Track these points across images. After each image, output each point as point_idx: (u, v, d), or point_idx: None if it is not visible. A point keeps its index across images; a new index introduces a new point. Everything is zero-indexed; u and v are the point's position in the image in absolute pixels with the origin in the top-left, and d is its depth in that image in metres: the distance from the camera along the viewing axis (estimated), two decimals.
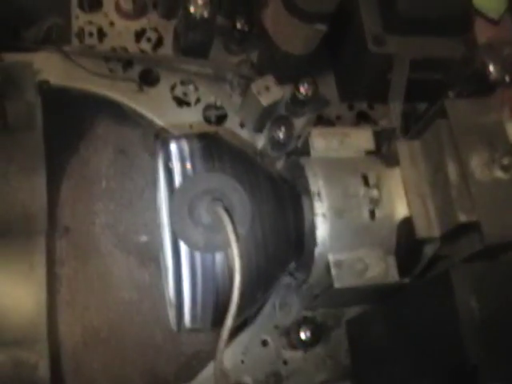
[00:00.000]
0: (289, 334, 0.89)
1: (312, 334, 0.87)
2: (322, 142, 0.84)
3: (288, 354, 0.90)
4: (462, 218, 0.75)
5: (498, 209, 0.76)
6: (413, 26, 0.91)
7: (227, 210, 0.72)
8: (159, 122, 0.96)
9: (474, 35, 0.97)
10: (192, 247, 0.73)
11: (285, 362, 0.90)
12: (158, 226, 0.81)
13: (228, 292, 0.73)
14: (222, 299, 0.74)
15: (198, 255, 0.73)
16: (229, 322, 0.71)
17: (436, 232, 0.79)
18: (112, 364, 0.99)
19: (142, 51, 1.00)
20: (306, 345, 0.88)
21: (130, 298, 1.02)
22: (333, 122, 1.01)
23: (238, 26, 0.97)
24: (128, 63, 0.98)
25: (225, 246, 0.72)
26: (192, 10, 0.89)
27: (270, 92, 0.90)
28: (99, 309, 1.01)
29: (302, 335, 0.87)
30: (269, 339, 0.90)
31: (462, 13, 0.94)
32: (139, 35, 1.01)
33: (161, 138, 0.80)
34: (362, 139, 0.86)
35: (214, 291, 0.74)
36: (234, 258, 0.71)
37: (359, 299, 0.89)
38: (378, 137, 0.87)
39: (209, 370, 0.87)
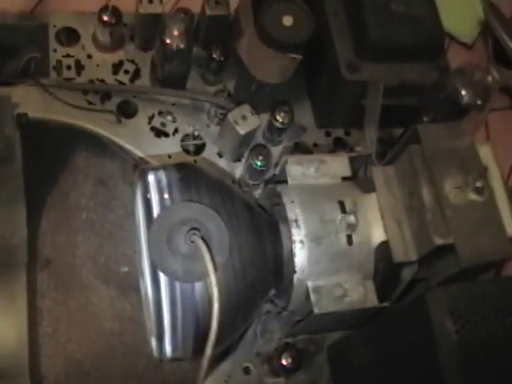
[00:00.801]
0: (271, 360, 0.89)
1: (293, 360, 0.87)
2: (298, 169, 0.85)
3: (270, 381, 0.90)
4: (438, 241, 0.76)
5: (472, 231, 0.77)
6: (385, 53, 0.93)
7: (204, 240, 0.73)
8: (138, 153, 0.96)
9: (447, 60, 0.98)
10: (171, 277, 0.73)
11: None
12: (137, 256, 0.81)
13: (208, 320, 0.73)
14: (202, 328, 0.75)
15: (177, 285, 0.74)
16: (208, 351, 0.72)
17: (413, 256, 0.80)
18: None
19: (120, 83, 1.01)
20: (287, 371, 0.87)
21: (111, 328, 1.02)
22: (310, 149, 1.02)
23: (214, 56, 0.98)
24: (106, 95, 0.99)
25: (204, 275, 0.73)
26: (168, 41, 0.90)
27: (246, 121, 0.91)
28: (81, 340, 1.01)
29: (284, 362, 0.86)
30: (251, 366, 0.90)
31: (435, 38, 0.96)
32: (117, 67, 1.02)
33: (139, 169, 0.81)
34: (338, 166, 0.87)
35: (195, 320, 0.74)
36: (212, 287, 0.71)
37: (339, 324, 0.89)
38: (354, 163, 0.88)
39: None
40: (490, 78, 0.88)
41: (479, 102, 0.87)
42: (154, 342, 0.76)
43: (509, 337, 0.69)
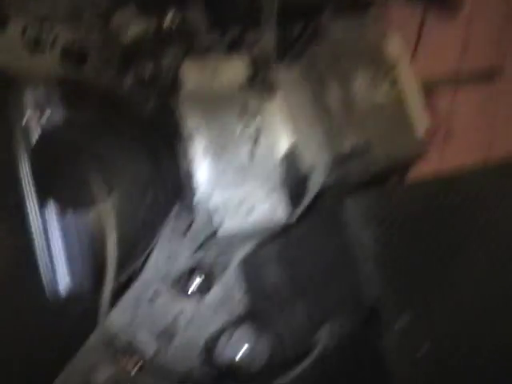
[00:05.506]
0: (179, 282, 0.85)
1: (204, 279, 0.83)
2: (193, 77, 0.79)
3: (181, 303, 0.86)
4: (348, 143, 0.72)
5: (384, 130, 0.74)
6: None
7: (94, 164, 0.66)
8: (13, 69, 0.87)
9: None
10: (59, 207, 0.66)
11: (178, 313, 0.86)
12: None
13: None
14: (100, 258, 0.69)
15: (68, 216, 0.67)
16: (107, 289, 0.66)
17: (323, 159, 0.76)
18: None
19: None
20: (199, 291, 0.84)
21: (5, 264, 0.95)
22: (203, 53, 0.94)
23: None
24: None
25: (95, 202, 0.66)
26: None
27: (131, 26, 0.83)
28: None
29: (194, 282, 0.83)
30: (159, 291, 0.86)
31: None
32: None
33: (14, 88, 0.72)
34: (236, 69, 0.82)
35: (90, 251, 0.69)
36: (104, 215, 0.65)
37: (250, 239, 0.85)
38: (254, 64, 0.82)
39: (99, 331, 0.82)
40: None
41: None
42: (47, 281, 0.70)
43: (431, 245, 0.66)
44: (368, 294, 0.65)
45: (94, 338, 0.82)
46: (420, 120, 0.76)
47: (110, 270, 0.67)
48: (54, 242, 0.67)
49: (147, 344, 0.84)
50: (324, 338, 0.72)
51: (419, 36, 1.09)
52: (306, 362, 0.72)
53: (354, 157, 0.74)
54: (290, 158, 0.77)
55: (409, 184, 0.81)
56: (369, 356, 0.68)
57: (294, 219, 0.77)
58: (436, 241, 0.68)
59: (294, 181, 0.78)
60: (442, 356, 0.67)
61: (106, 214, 0.66)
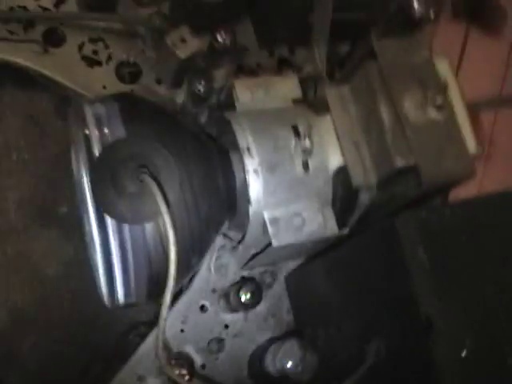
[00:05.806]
0: (227, 296, 0.86)
1: (251, 294, 0.84)
2: (246, 94, 0.80)
3: (228, 317, 0.87)
4: (399, 162, 0.72)
5: (434, 150, 0.73)
6: None
7: (154, 178, 0.67)
8: (69, 84, 0.89)
9: None
10: (118, 219, 0.67)
11: (226, 326, 0.87)
12: (77, 195, 0.75)
13: (161, 262, 0.68)
14: (155, 271, 0.70)
15: (125, 227, 0.68)
16: (167, 298, 0.67)
17: (372, 179, 0.76)
18: (43, 344, 0.94)
19: (44, 9, 0.92)
20: (246, 306, 0.85)
21: (55, 273, 0.97)
22: (254, 70, 0.96)
23: None
24: (29, 23, 0.90)
25: (154, 216, 0.67)
26: None
27: (186, 44, 0.84)
28: (24, 288, 0.95)
29: (242, 297, 0.83)
30: (207, 304, 0.87)
31: None
32: None
33: (73, 102, 0.74)
34: (287, 87, 0.82)
35: (147, 263, 0.69)
36: (165, 228, 0.66)
37: (298, 254, 0.86)
38: (304, 83, 0.83)
39: (149, 343, 0.83)
40: None
41: (432, 14, 0.82)
42: (104, 290, 0.71)
43: (481, 261, 0.66)
44: (419, 311, 0.65)
45: (144, 348, 0.83)
46: (470, 141, 0.76)
47: (170, 285, 0.67)
48: (111, 252, 0.68)
49: (195, 355, 0.85)
50: (373, 352, 0.72)
51: (462, 56, 1.09)
52: (354, 377, 0.72)
53: (402, 177, 0.75)
54: (340, 176, 0.78)
55: (457, 201, 0.81)
56: (416, 366, 0.68)
57: (343, 235, 0.77)
58: (488, 256, 0.68)
59: (343, 198, 0.79)
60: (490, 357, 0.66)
61: (168, 229, 0.66)
